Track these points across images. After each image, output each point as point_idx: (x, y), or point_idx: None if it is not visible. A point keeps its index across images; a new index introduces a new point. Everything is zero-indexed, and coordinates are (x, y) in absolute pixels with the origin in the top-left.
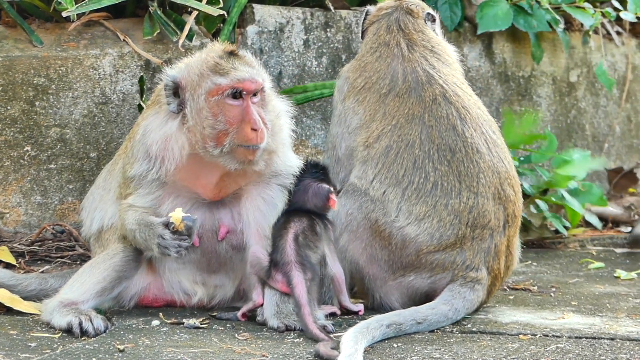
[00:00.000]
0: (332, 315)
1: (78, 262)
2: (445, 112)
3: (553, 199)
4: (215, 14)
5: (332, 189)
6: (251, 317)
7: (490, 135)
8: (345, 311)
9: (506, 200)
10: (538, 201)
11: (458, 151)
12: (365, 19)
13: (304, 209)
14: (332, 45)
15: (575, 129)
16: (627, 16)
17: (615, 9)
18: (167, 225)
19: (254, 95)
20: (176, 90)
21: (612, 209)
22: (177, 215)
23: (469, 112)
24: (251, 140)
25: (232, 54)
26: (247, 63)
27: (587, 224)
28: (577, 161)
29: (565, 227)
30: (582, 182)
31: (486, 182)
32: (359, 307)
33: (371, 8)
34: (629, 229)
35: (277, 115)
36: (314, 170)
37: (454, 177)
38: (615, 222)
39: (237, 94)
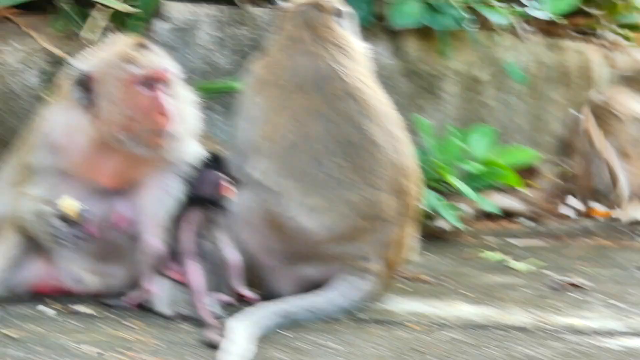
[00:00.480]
0: (228, 304)
1: None
2: (348, 108)
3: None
4: (125, 11)
5: (224, 176)
6: (144, 305)
7: (392, 131)
8: (241, 299)
9: (403, 193)
10: (429, 192)
11: (358, 145)
12: (275, 14)
13: (200, 197)
14: (241, 42)
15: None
16: (537, 13)
17: (526, 7)
18: (61, 215)
19: (164, 84)
20: (85, 82)
21: (511, 201)
22: (69, 205)
23: (371, 108)
24: (161, 126)
25: (142, 45)
26: (158, 54)
27: (487, 216)
28: (474, 139)
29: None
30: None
31: (384, 175)
32: (252, 295)
33: (281, 3)
34: (527, 221)
35: (184, 105)
36: (208, 159)
37: (352, 170)
38: (513, 214)
39: (148, 83)
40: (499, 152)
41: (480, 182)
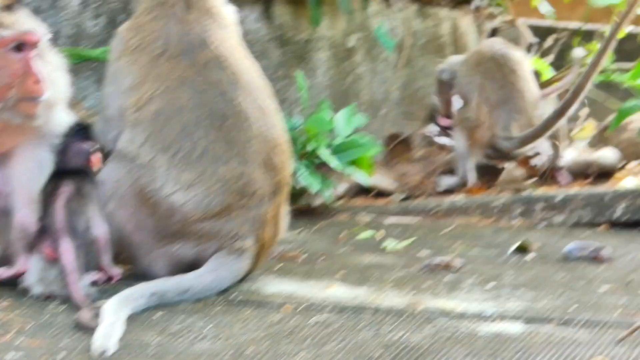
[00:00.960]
0: (101, 283)
1: None
2: (217, 77)
3: (316, 160)
4: None
5: (93, 147)
6: (16, 283)
7: (262, 102)
8: (112, 278)
9: (275, 169)
10: (301, 166)
11: (228, 117)
12: None
13: (69, 169)
14: (110, 6)
15: (352, 94)
16: None
17: None
18: None
19: (34, 49)
20: None
21: (385, 177)
22: None
23: (241, 77)
24: (35, 92)
25: (9, 7)
26: (27, 16)
27: (362, 192)
28: (338, 117)
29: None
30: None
31: (255, 150)
32: (117, 271)
33: None
34: (400, 197)
35: (54, 69)
36: (75, 129)
37: (223, 144)
38: (387, 191)
39: (19, 47)
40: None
41: (351, 156)
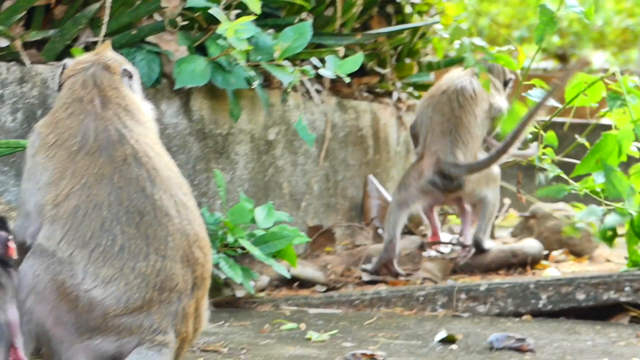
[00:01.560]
0: None
1: None
2: (135, 174)
3: (239, 250)
4: None
5: (9, 236)
6: None
7: (181, 198)
8: None
9: (195, 263)
10: (223, 258)
11: (147, 214)
12: (62, 73)
13: None
14: (27, 101)
15: (273, 187)
16: (326, 73)
17: (315, 67)
18: None
19: None
20: None
21: (307, 267)
22: None
23: (159, 173)
24: None
25: None
26: None
27: (285, 283)
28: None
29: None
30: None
31: (174, 245)
32: None
33: (69, 62)
34: (324, 288)
35: None
36: None
37: (142, 240)
38: (310, 281)
39: None
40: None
41: (274, 247)
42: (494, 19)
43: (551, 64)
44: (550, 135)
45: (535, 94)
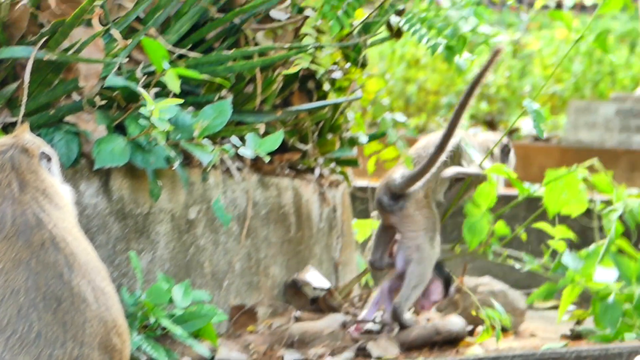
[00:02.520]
0: None
1: None
2: (53, 259)
3: (159, 331)
4: None
5: None
6: None
7: (99, 283)
8: None
9: (112, 350)
10: (142, 340)
11: (64, 300)
12: None
13: None
14: None
15: (195, 266)
16: (246, 152)
17: (235, 146)
18: None
19: None
20: None
21: (229, 348)
22: None
23: (77, 258)
24: None
25: None
26: None
27: None
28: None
29: None
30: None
31: (92, 332)
32: None
33: None
34: None
35: None
36: None
37: (59, 326)
38: None
39: None
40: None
41: (194, 327)
42: (422, 85)
43: (479, 131)
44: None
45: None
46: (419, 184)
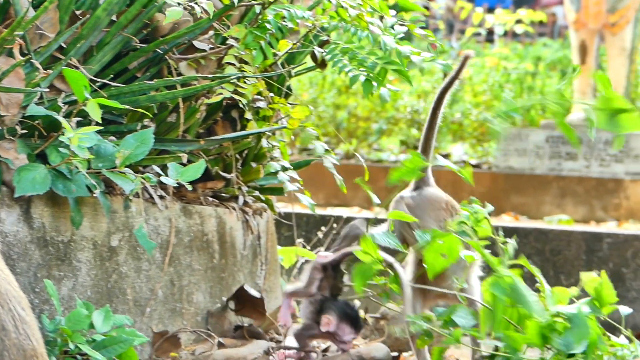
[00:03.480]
0: None
1: None
2: None
3: (79, 357)
4: None
5: None
6: None
7: (19, 312)
8: None
9: None
10: None
11: None
12: None
13: None
14: None
15: (117, 293)
16: (168, 181)
17: (158, 174)
18: None
19: None
20: None
21: None
22: None
23: None
24: None
25: None
26: None
27: None
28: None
29: None
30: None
31: None
32: None
33: None
34: None
35: None
36: None
37: None
38: None
39: None
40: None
41: (114, 352)
42: (353, 112)
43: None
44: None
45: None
46: None
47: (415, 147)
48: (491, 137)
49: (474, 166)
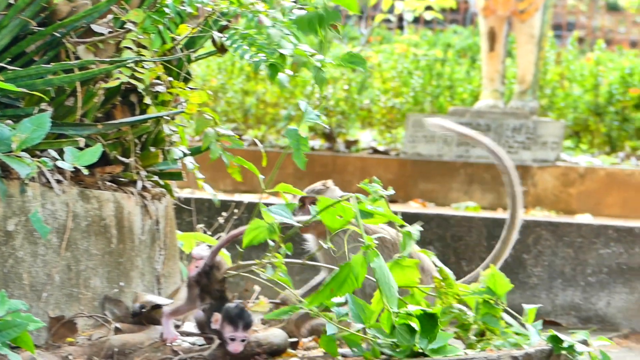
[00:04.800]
0: None
1: None
2: None
3: None
4: None
5: None
6: None
7: None
8: None
9: None
10: None
11: None
12: None
13: None
14: None
15: (13, 278)
16: (64, 165)
17: (54, 159)
18: None
19: None
20: None
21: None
22: None
23: None
24: None
25: None
26: None
27: None
28: None
29: None
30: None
31: None
32: None
33: None
34: None
35: None
36: None
37: None
38: None
39: None
40: None
41: (8, 336)
42: (261, 98)
43: (318, 143)
44: None
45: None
46: None
47: (324, 134)
48: (399, 123)
49: (382, 152)
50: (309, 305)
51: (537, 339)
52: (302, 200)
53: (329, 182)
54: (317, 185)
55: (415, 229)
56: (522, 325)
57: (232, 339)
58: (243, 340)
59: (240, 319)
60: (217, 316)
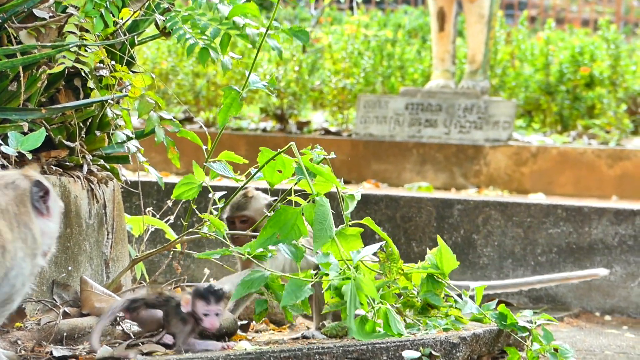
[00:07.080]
0: None
1: None
2: None
3: None
4: None
5: None
6: None
7: None
8: None
9: None
10: None
11: None
12: None
13: None
14: None
15: None
16: (8, 150)
17: None
18: None
19: None
20: None
21: None
22: None
23: None
24: None
25: None
26: None
27: None
28: None
29: None
30: None
31: None
32: None
33: None
34: None
35: None
36: None
37: None
38: None
39: None
40: None
41: None
42: (212, 80)
43: (270, 124)
44: None
45: (217, 167)
46: None
47: (275, 115)
48: (351, 104)
49: (334, 133)
50: (252, 250)
51: (471, 311)
52: (231, 220)
53: (251, 191)
54: (240, 199)
55: (358, 192)
56: (465, 302)
57: (206, 314)
58: (217, 315)
59: (210, 293)
60: (186, 297)
